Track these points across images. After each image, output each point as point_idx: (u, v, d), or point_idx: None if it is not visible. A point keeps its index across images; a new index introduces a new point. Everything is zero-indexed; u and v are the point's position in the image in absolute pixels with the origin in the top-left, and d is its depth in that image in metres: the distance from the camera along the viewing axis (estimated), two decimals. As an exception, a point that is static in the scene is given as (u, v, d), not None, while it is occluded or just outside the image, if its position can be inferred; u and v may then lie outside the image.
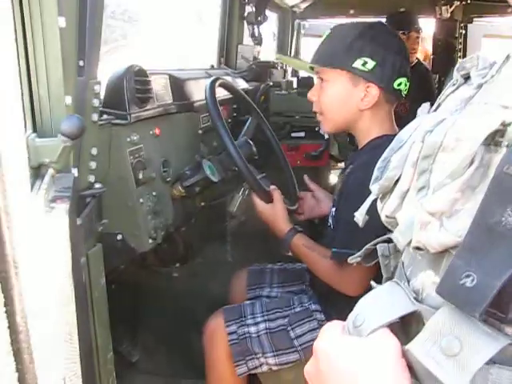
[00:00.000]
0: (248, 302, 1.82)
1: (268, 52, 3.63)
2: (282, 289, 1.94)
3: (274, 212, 1.76)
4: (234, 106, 2.42)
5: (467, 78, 0.76)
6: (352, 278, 1.52)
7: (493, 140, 0.58)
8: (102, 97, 1.51)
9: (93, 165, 1.39)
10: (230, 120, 2.36)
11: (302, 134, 2.91)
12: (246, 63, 2.95)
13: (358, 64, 1.57)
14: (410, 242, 0.66)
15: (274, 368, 1.68)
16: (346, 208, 1.56)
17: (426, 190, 0.65)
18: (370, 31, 1.59)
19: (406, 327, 0.66)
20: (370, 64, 1.56)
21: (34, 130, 1.14)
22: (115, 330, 1.51)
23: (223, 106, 2.11)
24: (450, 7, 3.83)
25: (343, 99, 1.63)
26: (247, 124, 2.09)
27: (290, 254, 1.82)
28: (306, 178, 2.06)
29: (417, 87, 2.28)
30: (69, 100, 1.17)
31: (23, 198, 0.77)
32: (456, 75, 0.79)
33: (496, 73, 0.69)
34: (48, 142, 1.07)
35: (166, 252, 2.10)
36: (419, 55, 4.40)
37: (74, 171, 1.21)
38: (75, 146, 1.28)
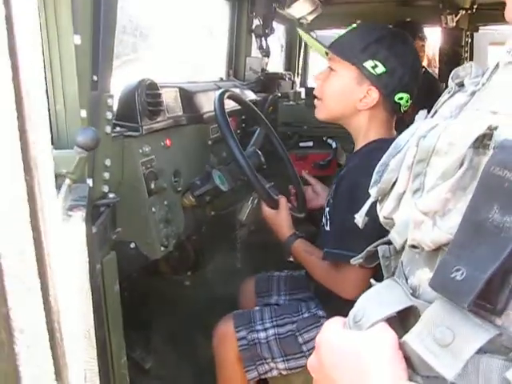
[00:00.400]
0: (257, 308, 1.86)
1: (276, 64, 3.69)
2: (290, 296, 1.98)
3: (279, 218, 1.82)
4: (243, 117, 2.47)
5: (462, 85, 0.81)
6: (347, 280, 1.55)
7: (481, 143, 0.62)
8: (114, 110, 1.57)
9: (106, 175, 1.43)
10: (238, 131, 2.40)
11: (310, 144, 2.95)
12: (255, 75, 3.01)
13: (368, 65, 1.62)
14: (406, 241, 0.70)
15: (284, 373, 1.72)
16: (339, 209, 1.62)
17: (420, 191, 0.69)
18: (390, 38, 1.65)
19: (404, 322, 0.70)
20: (380, 69, 1.61)
21: (52, 142, 1.18)
22: (128, 337, 1.55)
23: (232, 118, 2.16)
24: (456, 16, 3.86)
25: (344, 93, 1.69)
26: (256, 134, 2.14)
27: (291, 259, 1.87)
28: (304, 173, 2.17)
29: (424, 96, 2.31)
30: (84, 113, 1.23)
31: (51, 208, 0.82)
32: (451, 83, 0.83)
33: (487, 81, 0.74)
34: (64, 153, 1.12)
35: (177, 260, 2.14)
36: (424, 62, 4.44)
37: (89, 181, 1.27)
38: (90, 158, 1.33)
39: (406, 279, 0.75)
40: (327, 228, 1.74)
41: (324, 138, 2.89)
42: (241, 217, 1.96)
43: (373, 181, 0.81)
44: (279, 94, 3.02)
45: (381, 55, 1.62)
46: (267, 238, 1.99)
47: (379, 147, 1.62)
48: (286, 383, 1.77)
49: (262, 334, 1.74)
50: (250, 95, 2.71)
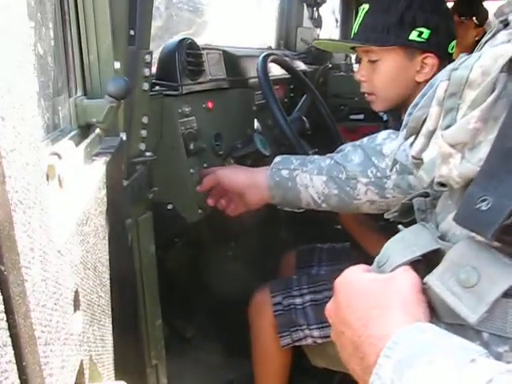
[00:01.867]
0: (295, 276, 1.82)
1: (329, 35, 3.60)
2: (331, 267, 1.92)
3: None
4: (291, 87, 2.41)
5: (506, 24, 0.74)
6: None
7: None
8: (154, 69, 1.55)
9: (143, 133, 1.42)
10: (286, 100, 2.35)
11: (361, 117, 2.86)
12: (306, 46, 2.94)
13: (413, 36, 1.52)
14: (433, 180, 0.64)
15: (319, 341, 1.66)
16: None
17: None
18: None
19: (431, 268, 0.65)
20: (426, 33, 1.51)
21: (85, 93, 1.17)
22: (170, 305, 1.55)
23: (279, 85, 2.11)
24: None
25: (398, 76, 1.57)
26: (301, 100, 2.08)
27: (339, 226, 1.82)
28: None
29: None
30: (117, 65, 1.21)
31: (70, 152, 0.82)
32: (494, 21, 0.76)
33: None
34: (95, 102, 1.11)
35: (220, 229, 2.12)
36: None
37: (123, 135, 1.25)
38: (126, 113, 1.32)
39: (437, 226, 0.69)
40: None
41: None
42: None
43: (404, 123, 0.75)
44: (330, 65, 2.94)
45: (420, 19, 1.51)
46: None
47: None
48: (320, 352, 1.71)
49: (298, 300, 1.69)
50: (301, 66, 2.64)
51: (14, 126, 0.38)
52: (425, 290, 0.61)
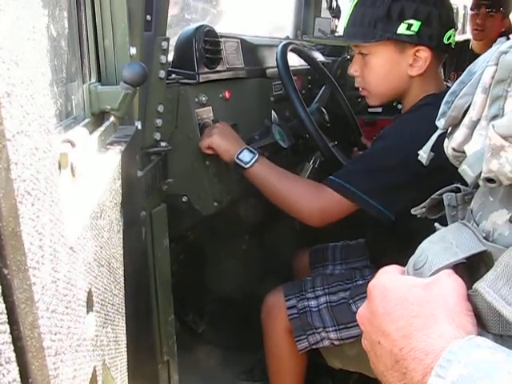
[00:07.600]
0: (309, 278, 1.76)
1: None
2: (345, 265, 1.86)
3: None
4: (309, 78, 2.35)
5: None
6: (329, 207, 1.48)
7: None
8: (170, 56, 1.50)
9: (159, 122, 1.37)
10: (303, 91, 2.29)
11: (380, 110, 2.79)
12: (324, 37, 2.87)
13: (402, 29, 1.43)
14: (479, 175, 0.58)
15: (336, 343, 1.60)
16: (371, 148, 1.55)
17: (499, 118, 0.57)
18: None
19: (473, 271, 0.59)
20: (416, 26, 1.42)
21: (99, 79, 1.12)
22: (182, 300, 1.50)
23: (297, 76, 2.05)
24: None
25: (390, 70, 1.50)
26: (321, 91, 2.03)
27: None
28: (362, 138, 2.05)
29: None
30: (133, 51, 1.16)
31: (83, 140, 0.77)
32: None
33: None
34: (109, 89, 1.06)
35: (235, 222, 2.07)
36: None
37: (138, 124, 1.20)
38: (141, 101, 1.27)
39: (477, 225, 0.64)
40: None
41: (394, 104, 2.72)
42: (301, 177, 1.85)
43: (441, 112, 0.69)
44: (348, 57, 2.87)
45: (408, 11, 1.42)
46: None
47: (430, 102, 1.45)
48: (338, 354, 1.66)
49: (313, 302, 1.63)
50: (319, 57, 2.58)
51: (21, 104, 0.34)
52: (469, 297, 0.55)
